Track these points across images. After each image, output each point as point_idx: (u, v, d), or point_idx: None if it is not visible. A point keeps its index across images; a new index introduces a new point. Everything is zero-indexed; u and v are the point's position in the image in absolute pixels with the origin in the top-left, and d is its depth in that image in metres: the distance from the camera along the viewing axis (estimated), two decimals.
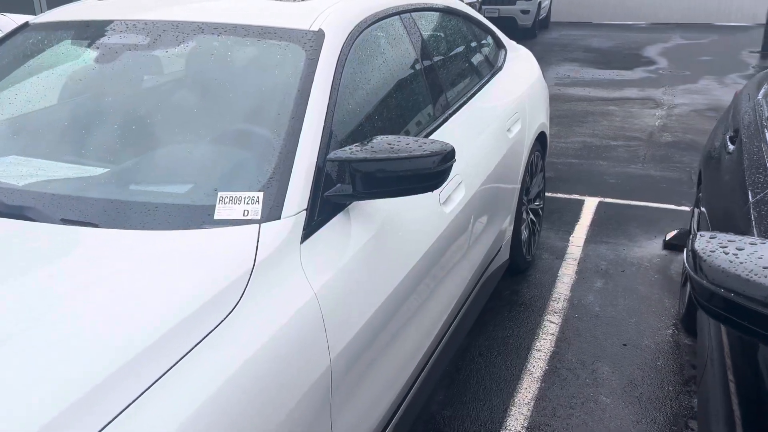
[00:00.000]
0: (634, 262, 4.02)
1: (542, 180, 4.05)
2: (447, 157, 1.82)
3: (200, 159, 1.88)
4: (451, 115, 2.73)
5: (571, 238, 4.36)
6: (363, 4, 2.42)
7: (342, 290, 1.72)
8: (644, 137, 6.88)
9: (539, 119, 3.75)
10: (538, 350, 3.14)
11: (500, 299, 3.60)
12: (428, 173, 1.80)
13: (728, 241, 1.26)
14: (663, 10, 17.66)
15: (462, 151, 2.66)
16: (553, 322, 3.37)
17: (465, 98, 2.94)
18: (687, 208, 4.84)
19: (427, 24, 2.92)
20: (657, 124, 7.41)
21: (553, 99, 8.70)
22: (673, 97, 8.79)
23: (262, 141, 1.87)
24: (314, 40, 2.08)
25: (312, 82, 1.96)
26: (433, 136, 2.50)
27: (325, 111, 1.93)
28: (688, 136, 6.91)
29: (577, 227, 4.54)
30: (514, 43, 4.12)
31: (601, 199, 5.07)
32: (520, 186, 3.48)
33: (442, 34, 3.11)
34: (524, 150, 3.46)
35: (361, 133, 2.13)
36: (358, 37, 2.25)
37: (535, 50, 12.37)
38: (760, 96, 2.94)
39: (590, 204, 4.97)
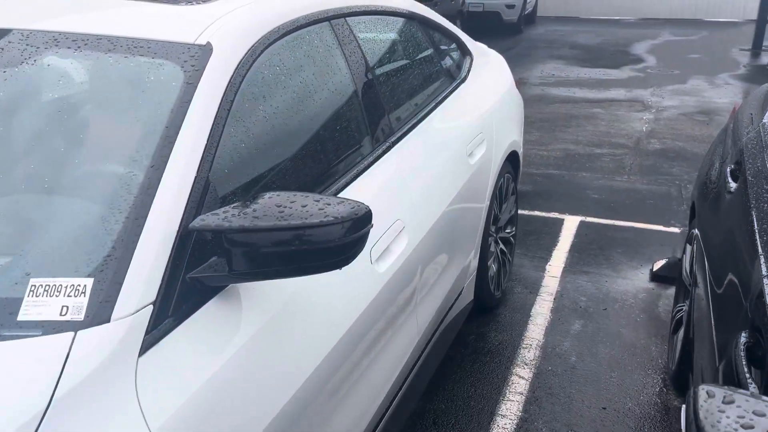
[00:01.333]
0: (618, 297, 3.55)
1: (514, 204, 3.57)
2: (360, 222, 1.34)
3: (14, 224, 1.37)
4: (394, 143, 2.24)
5: (547, 267, 3.88)
6: (277, 8, 1.91)
7: (204, 419, 1.23)
8: (631, 144, 6.42)
9: (510, 137, 3.27)
10: (503, 416, 2.67)
11: (464, 345, 3.13)
12: (334, 247, 1.32)
13: (755, 413, 0.78)
14: (652, 5, 17.21)
15: (406, 188, 2.18)
16: (523, 378, 2.89)
17: (415, 121, 2.45)
18: (676, 230, 4.38)
19: (369, 31, 2.42)
20: (644, 129, 6.95)
21: (536, 101, 8.23)
22: (661, 99, 8.33)
23: (104, 199, 1.37)
24: (197, 58, 1.58)
25: (185, 114, 1.47)
26: (367, 174, 2.01)
27: (201, 155, 1.44)
28: (677, 143, 6.46)
29: (555, 253, 4.06)
30: (483, 47, 3.63)
31: (583, 218, 4.59)
32: (485, 216, 2.99)
33: (389, 43, 2.61)
34: (490, 176, 2.98)
35: (261, 184, 1.63)
36: (264, 51, 1.75)
37: (520, 47, 11.92)
38: (766, 119, 2.47)
39: (570, 224, 4.49)
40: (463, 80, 3.03)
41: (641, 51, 12.10)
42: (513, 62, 10.35)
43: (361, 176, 1.97)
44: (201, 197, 1.40)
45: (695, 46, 12.68)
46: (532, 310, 3.41)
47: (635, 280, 3.73)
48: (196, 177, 1.40)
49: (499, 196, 3.21)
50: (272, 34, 1.81)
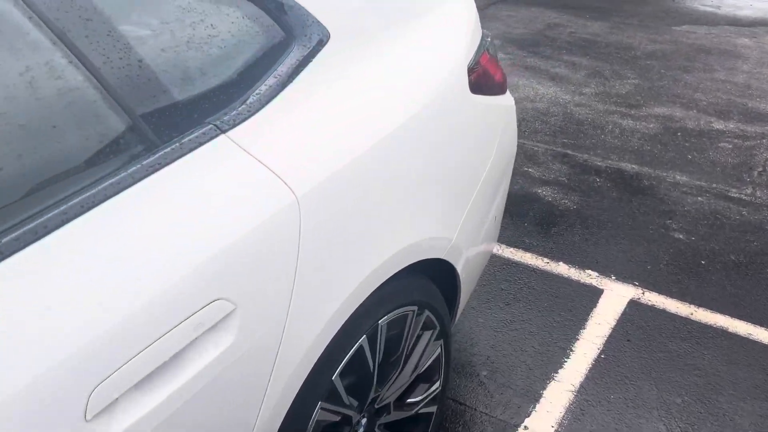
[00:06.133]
0: None
1: (428, 352, 1.67)
2: None
3: None
4: None
5: None
6: None
7: None
8: None
9: (416, 233, 1.35)
10: None
11: None
12: None
13: None
14: None
15: None
16: None
17: None
18: None
19: None
20: None
21: (658, 18, 5.79)
22: None
23: None
24: None
25: None
26: None
27: None
28: None
29: (543, 403, 2.16)
30: None
31: (639, 292, 2.58)
32: None
33: None
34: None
35: None
36: None
37: None
38: None
39: (611, 306, 2.51)
40: (248, 115, 1.10)
41: None
42: None
43: None
44: None
45: None
46: None
47: None
48: None
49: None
50: None
